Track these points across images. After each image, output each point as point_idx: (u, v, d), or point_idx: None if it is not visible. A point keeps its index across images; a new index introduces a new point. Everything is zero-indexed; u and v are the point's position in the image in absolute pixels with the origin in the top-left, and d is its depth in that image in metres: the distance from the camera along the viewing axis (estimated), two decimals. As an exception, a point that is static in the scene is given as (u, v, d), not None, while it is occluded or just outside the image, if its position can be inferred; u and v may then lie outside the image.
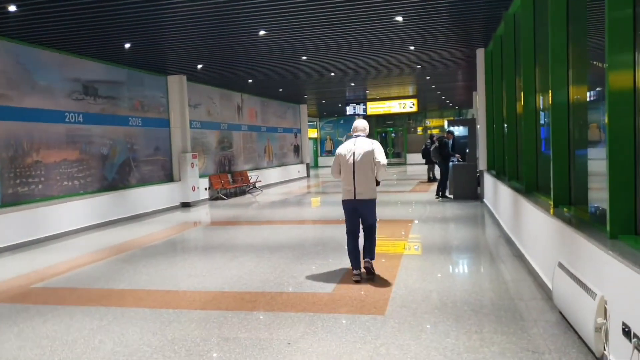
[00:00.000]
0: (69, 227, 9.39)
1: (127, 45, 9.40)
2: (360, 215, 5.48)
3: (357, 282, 5.25)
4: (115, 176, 11.03)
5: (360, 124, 5.48)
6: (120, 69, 11.33)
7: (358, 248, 5.44)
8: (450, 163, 12.80)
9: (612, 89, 3.21)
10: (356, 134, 5.43)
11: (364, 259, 5.50)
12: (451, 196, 12.30)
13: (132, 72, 11.73)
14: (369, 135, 5.55)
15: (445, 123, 15.29)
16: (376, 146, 5.27)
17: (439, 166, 12.75)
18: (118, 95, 11.24)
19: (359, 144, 5.31)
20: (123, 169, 11.32)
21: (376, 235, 5.57)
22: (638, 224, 3.17)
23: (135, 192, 11.52)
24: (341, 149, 5.43)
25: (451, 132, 13.75)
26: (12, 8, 6.82)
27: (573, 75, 4.62)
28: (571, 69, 4.64)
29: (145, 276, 6.00)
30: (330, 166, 5.80)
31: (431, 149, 12.99)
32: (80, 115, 10.05)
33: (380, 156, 5.19)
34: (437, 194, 12.47)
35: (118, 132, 11.17)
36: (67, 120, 9.69)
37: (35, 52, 9.00)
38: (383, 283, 5.23)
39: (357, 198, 5.35)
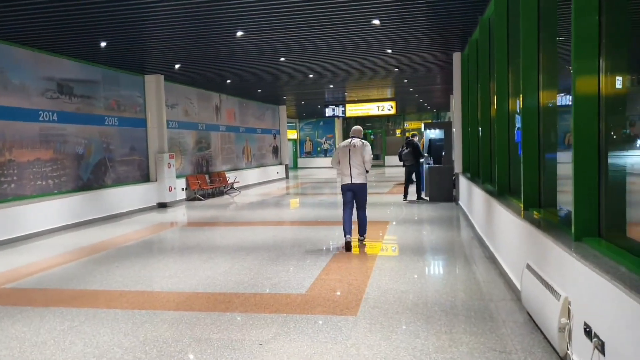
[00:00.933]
0: (42, 227, 9.23)
1: (104, 44, 9.28)
2: (355, 196, 7.23)
3: (347, 244, 6.95)
4: (90, 176, 10.88)
5: (356, 128, 7.44)
6: (97, 68, 11.18)
7: (351, 220, 7.17)
8: (426, 165, 12.96)
9: (578, 94, 3.29)
10: (352, 135, 7.33)
11: (359, 236, 7.54)
12: (427, 198, 12.48)
13: (108, 71, 11.58)
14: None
15: (422, 126, 15.46)
16: (366, 145, 7.16)
17: (413, 169, 12.77)
18: (94, 94, 11.09)
19: (354, 143, 7.16)
20: (98, 169, 11.17)
21: (366, 213, 7.47)
22: (601, 226, 3.27)
23: (111, 192, 11.38)
24: (341, 146, 7.34)
25: (415, 135, 13.66)
26: (-17, 4, 6.70)
27: (544, 80, 4.72)
28: (542, 74, 4.74)
29: (118, 277, 5.94)
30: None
31: (403, 153, 12.90)
32: (55, 114, 9.89)
33: (366, 153, 7.07)
34: (418, 197, 12.60)
35: (93, 131, 11.02)
36: (41, 119, 9.53)
37: (8, 50, 8.82)
38: (357, 284, 5.28)
39: (352, 182, 7.12)
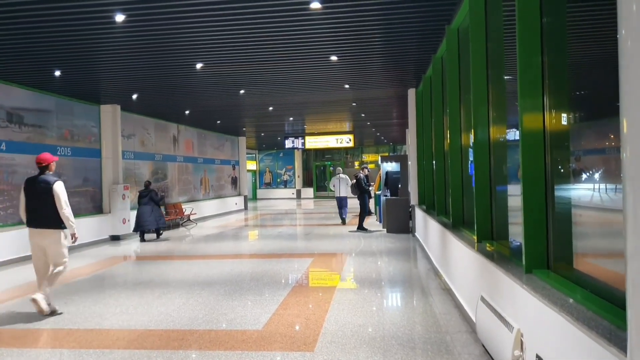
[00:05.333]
0: (-16, 262, 8.73)
1: (58, 73, 9.08)
2: (340, 205, 14.45)
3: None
4: (38, 208, 10.42)
5: (341, 170, 13.73)
6: (49, 97, 10.89)
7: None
8: (383, 197, 13.18)
9: (525, 129, 3.45)
10: (339, 174, 13.96)
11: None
12: (367, 228, 12.92)
13: (61, 101, 11.29)
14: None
15: (379, 159, 15.82)
16: (347, 178, 13.62)
17: (358, 199, 13.25)
18: (46, 123, 10.76)
19: (342, 177, 13.80)
20: (47, 200, 10.71)
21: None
22: (550, 258, 3.38)
23: (60, 225, 10.91)
24: (335, 178, 14.40)
25: (365, 167, 14.51)
26: None
27: (493, 116, 4.92)
28: (491, 110, 4.94)
29: (66, 314, 5.65)
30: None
31: (350, 186, 13.83)
32: (3, 144, 9.51)
33: (348, 182, 13.26)
34: (358, 227, 13.09)
35: (44, 161, 10.62)
36: (-13, 148, 9.14)
37: (-47, 76, 8.50)
38: (315, 318, 5.23)
39: (340, 196, 13.84)
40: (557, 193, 3.37)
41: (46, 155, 5.78)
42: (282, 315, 5.36)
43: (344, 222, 14.91)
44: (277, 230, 14.27)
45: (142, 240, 12.25)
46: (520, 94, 3.47)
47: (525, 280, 3.24)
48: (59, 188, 5.59)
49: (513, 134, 5.27)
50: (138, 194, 12.67)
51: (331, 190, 31.12)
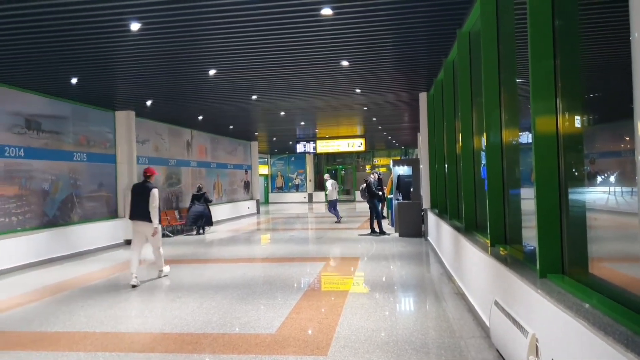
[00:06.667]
0: (4, 266, 8.91)
1: (74, 80, 9.23)
2: (334, 206, 16.43)
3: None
4: (56, 212, 10.60)
5: (329, 176, 15.73)
6: (66, 104, 11.06)
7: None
8: (395, 201, 13.14)
9: (538, 132, 3.44)
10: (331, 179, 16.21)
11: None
12: (381, 231, 12.87)
13: (78, 107, 11.47)
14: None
15: (391, 162, 15.82)
16: (335, 183, 16.33)
17: (368, 204, 13.26)
18: (62, 129, 10.93)
19: (333, 182, 16.24)
20: (65, 205, 10.90)
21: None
22: (565, 263, 3.36)
23: (77, 229, 11.09)
24: (329, 183, 16.54)
25: (375, 172, 14.61)
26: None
27: (505, 119, 4.91)
28: (504, 113, 4.93)
29: (82, 318, 5.74)
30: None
31: (360, 190, 13.87)
32: (22, 150, 9.69)
33: (336, 186, 16.03)
34: (372, 231, 13.17)
35: (61, 167, 10.81)
36: (7, 154, 9.32)
37: (-27, 84, 8.69)
38: (327, 322, 5.24)
39: (333, 199, 16.18)
40: (571, 196, 3.34)
41: (152, 169, 7.95)
42: (295, 320, 5.38)
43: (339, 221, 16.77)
44: (289, 234, 14.31)
45: (197, 233, 14.89)
46: (533, 97, 3.46)
47: (540, 284, 3.23)
48: (155, 194, 7.56)
49: (525, 137, 5.25)
50: (192, 195, 15.08)
51: (343, 194, 31.08)
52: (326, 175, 18.66)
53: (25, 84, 9.44)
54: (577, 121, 3.40)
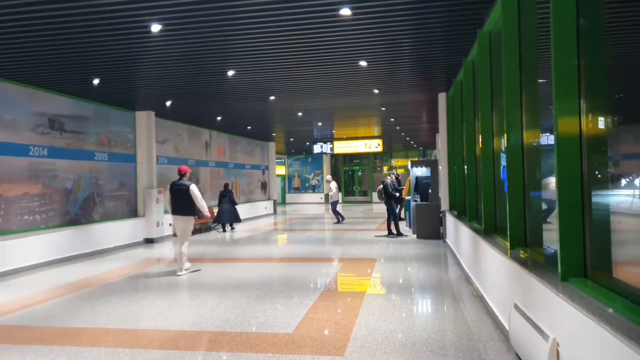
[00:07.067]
0: (28, 263, 9.10)
1: (96, 81, 9.38)
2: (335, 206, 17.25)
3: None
4: (78, 211, 10.79)
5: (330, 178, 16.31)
6: (88, 104, 11.25)
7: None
8: (413, 202, 13.07)
9: (560, 134, 3.38)
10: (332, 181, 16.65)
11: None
12: (398, 233, 12.81)
13: (99, 107, 11.66)
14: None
15: (409, 164, 15.74)
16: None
17: (385, 205, 13.19)
18: (84, 130, 11.12)
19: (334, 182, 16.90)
20: (87, 204, 11.09)
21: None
22: (587, 267, 3.30)
23: (98, 228, 11.27)
24: (334, 183, 17.29)
25: (392, 173, 14.52)
26: (-22, 41, 6.80)
27: (527, 119, 4.85)
28: (525, 114, 4.87)
29: (103, 314, 5.83)
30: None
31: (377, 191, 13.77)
32: (45, 149, 9.89)
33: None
34: (389, 232, 13.10)
35: (83, 166, 11.00)
36: (31, 154, 9.52)
37: (1, 86, 8.88)
38: (344, 323, 5.24)
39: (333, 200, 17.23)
40: (594, 199, 3.29)
41: (184, 167, 8.70)
42: (312, 320, 5.39)
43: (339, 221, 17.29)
44: (306, 235, 14.33)
45: (224, 231, 15.46)
46: (556, 98, 3.41)
47: (561, 288, 3.18)
48: (194, 189, 8.31)
49: (546, 139, 5.17)
50: (219, 193, 15.61)
51: (360, 195, 31.03)
52: (328, 177, 18.63)
53: (49, 84, 9.63)
54: (601, 122, 3.35)
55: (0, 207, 8.77)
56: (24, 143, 9.39)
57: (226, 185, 15.86)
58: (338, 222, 17.36)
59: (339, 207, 17.79)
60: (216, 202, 17.67)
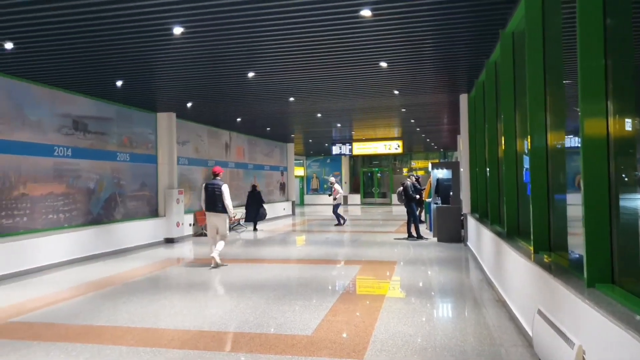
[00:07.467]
0: (51, 261, 9.28)
1: (119, 83, 9.52)
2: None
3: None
4: (100, 211, 10.96)
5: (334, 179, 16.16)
6: (111, 105, 11.43)
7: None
8: (434, 205, 12.95)
9: (586, 135, 3.30)
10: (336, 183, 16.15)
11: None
12: (419, 236, 12.71)
13: (122, 109, 11.83)
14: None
15: (429, 165, 15.58)
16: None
17: (405, 207, 13.03)
18: (107, 130, 11.30)
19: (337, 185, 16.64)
20: (108, 204, 11.26)
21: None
22: (615, 272, 3.22)
23: (120, 227, 11.44)
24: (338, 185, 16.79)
25: (412, 175, 14.31)
26: (8, 45, 6.95)
27: (551, 121, 4.75)
28: (549, 115, 4.78)
29: (124, 313, 5.90)
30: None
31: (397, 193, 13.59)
32: (69, 150, 10.07)
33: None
34: (409, 235, 12.98)
35: (105, 167, 11.18)
36: (55, 154, 9.71)
37: (27, 88, 9.09)
38: (364, 326, 5.20)
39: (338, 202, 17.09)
40: (621, 202, 3.20)
41: (218, 168, 9.35)
42: (331, 322, 5.37)
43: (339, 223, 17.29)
44: (325, 236, 14.31)
45: (255, 229, 16.09)
46: (582, 98, 3.33)
47: (588, 294, 3.11)
48: (225, 189, 8.99)
49: (570, 141, 5.07)
50: (248, 194, 16.47)
51: (379, 197, 30.85)
52: (332, 178, 18.38)
53: (74, 86, 9.80)
54: (628, 124, 3.26)
55: (26, 206, 8.96)
56: (49, 143, 9.58)
57: (254, 187, 16.48)
58: (339, 224, 17.30)
59: (340, 210, 17.67)
60: (240, 202, 17.96)
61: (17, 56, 7.56)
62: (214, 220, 9.08)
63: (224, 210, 8.94)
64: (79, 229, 10.21)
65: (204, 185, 9.23)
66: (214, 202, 8.94)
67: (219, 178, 9.17)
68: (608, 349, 2.69)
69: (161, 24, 6.27)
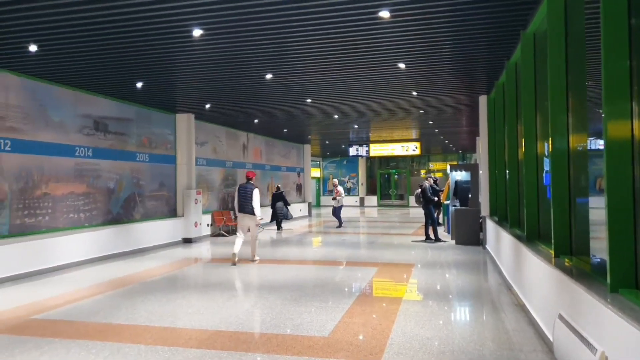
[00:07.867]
0: (72, 260, 9.43)
1: (140, 85, 9.65)
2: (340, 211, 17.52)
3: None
4: (120, 210, 11.11)
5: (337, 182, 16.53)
6: (131, 106, 11.58)
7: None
8: (452, 207, 12.83)
9: (610, 138, 3.24)
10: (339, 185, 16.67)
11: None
12: (437, 238, 12.63)
13: (141, 110, 11.98)
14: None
15: (448, 167, 15.45)
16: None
17: (423, 210, 12.94)
18: (127, 131, 11.45)
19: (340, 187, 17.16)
20: (128, 204, 11.40)
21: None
22: (639, 278, 3.15)
23: (139, 227, 11.57)
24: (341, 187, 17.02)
25: (430, 177, 14.11)
26: (33, 48, 7.10)
27: (573, 123, 4.67)
28: (571, 117, 4.70)
29: (143, 312, 5.96)
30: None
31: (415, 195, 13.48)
32: (90, 150, 10.23)
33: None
34: (426, 238, 12.89)
35: (125, 167, 11.32)
36: (77, 154, 9.87)
37: (50, 89, 9.26)
38: (381, 329, 5.18)
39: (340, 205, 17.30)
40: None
41: (251, 172, 9.87)
42: (348, 324, 5.35)
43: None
44: (341, 238, 14.28)
45: (279, 229, 16.50)
46: (605, 100, 3.27)
47: (611, 299, 3.05)
48: (256, 192, 9.52)
49: (591, 143, 4.97)
50: (272, 195, 17.25)
51: (396, 199, 30.69)
52: (335, 180, 18.48)
53: (95, 88, 9.96)
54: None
55: (48, 206, 9.12)
56: (71, 144, 9.74)
57: (278, 188, 17.20)
58: (340, 226, 17.39)
59: (347, 211, 17.70)
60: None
61: (41, 58, 7.70)
62: (245, 221, 9.61)
63: (254, 212, 9.42)
64: (99, 228, 10.36)
65: (237, 187, 9.84)
66: (246, 205, 9.45)
67: (252, 182, 9.67)
68: (632, 356, 2.64)
69: (181, 26, 6.33)
